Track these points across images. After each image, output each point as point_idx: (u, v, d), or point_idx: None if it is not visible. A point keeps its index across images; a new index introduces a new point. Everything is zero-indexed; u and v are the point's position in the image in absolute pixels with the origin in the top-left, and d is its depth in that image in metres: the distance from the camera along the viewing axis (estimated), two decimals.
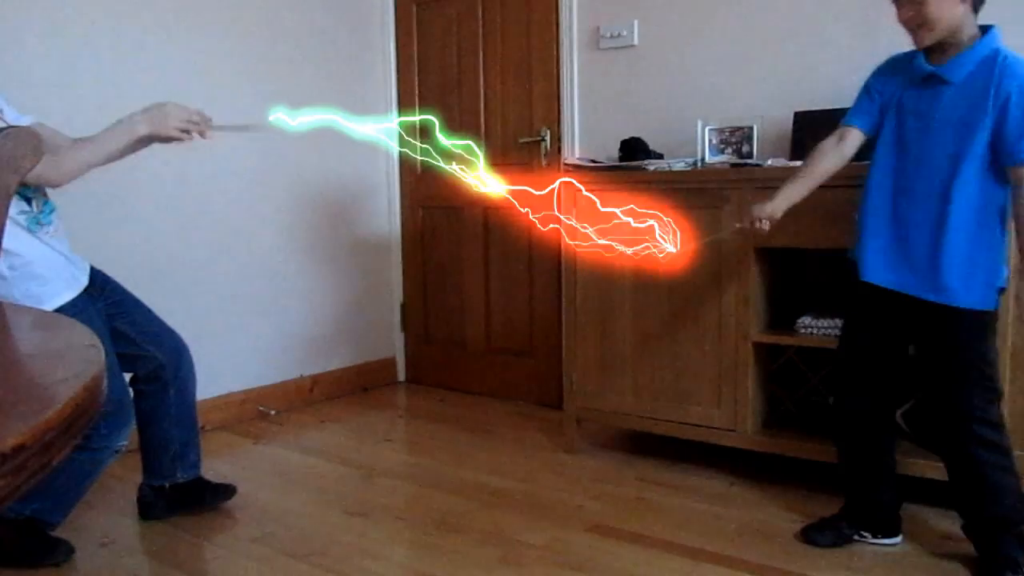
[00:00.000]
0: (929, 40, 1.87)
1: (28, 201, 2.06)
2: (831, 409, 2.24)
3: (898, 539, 2.13)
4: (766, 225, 2.09)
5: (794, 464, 2.55)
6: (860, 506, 2.13)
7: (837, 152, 2.06)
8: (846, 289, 2.13)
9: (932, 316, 1.93)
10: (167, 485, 2.36)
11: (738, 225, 2.24)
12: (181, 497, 2.38)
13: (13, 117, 2.05)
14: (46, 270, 2.06)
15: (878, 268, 1.99)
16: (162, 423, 2.32)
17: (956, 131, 1.86)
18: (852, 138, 2.05)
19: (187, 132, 2.08)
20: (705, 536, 2.20)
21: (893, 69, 2.01)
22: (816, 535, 2.13)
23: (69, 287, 2.12)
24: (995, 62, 1.83)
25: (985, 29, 1.87)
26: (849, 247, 2.12)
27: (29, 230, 2.04)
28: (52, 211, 2.13)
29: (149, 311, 2.34)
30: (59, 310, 2.05)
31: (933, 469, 2.18)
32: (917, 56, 1.93)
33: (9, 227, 2.02)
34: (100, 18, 2.84)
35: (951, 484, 2.03)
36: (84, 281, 2.19)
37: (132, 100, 2.89)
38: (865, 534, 2.12)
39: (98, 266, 2.71)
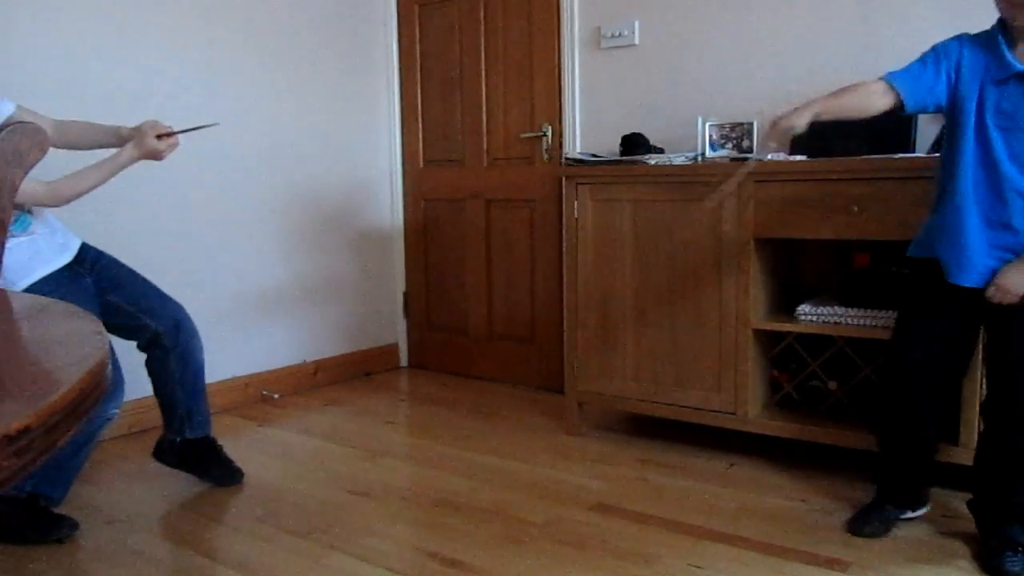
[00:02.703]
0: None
1: None
2: (877, 393, 2.17)
3: (927, 508, 2.15)
4: (790, 133, 2.00)
5: (793, 446, 2.56)
6: (898, 487, 2.11)
7: (874, 101, 1.93)
8: (907, 275, 2.07)
9: (1006, 308, 1.88)
10: (178, 440, 2.45)
11: (764, 141, 2.20)
12: (191, 454, 2.48)
13: None
14: (12, 262, 2.12)
15: (970, 270, 1.89)
16: (167, 386, 2.39)
17: None
18: (889, 100, 1.93)
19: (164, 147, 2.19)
20: (705, 515, 2.22)
21: (975, 55, 1.87)
22: (864, 526, 2.09)
23: (43, 265, 2.17)
24: None
25: None
26: (916, 243, 2.04)
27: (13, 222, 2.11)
28: (27, 221, 2.19)
29: (146, 283, 2.40)
30: (31, 288, 2.10)
31: (954, 453, 2.20)
32: (999, 47, 1.83)
33: None
34: (100, 18, 2.84)
35: (978, 461, 2.01)
36: (61, 260, 2.23)
37: (132, 101, 2.92)
38: (906, 511, 2.13)
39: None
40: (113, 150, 2.20)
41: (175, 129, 2.21)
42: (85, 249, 2.33)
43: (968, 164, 1.88)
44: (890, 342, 2.08)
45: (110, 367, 0.75)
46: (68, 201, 2.15)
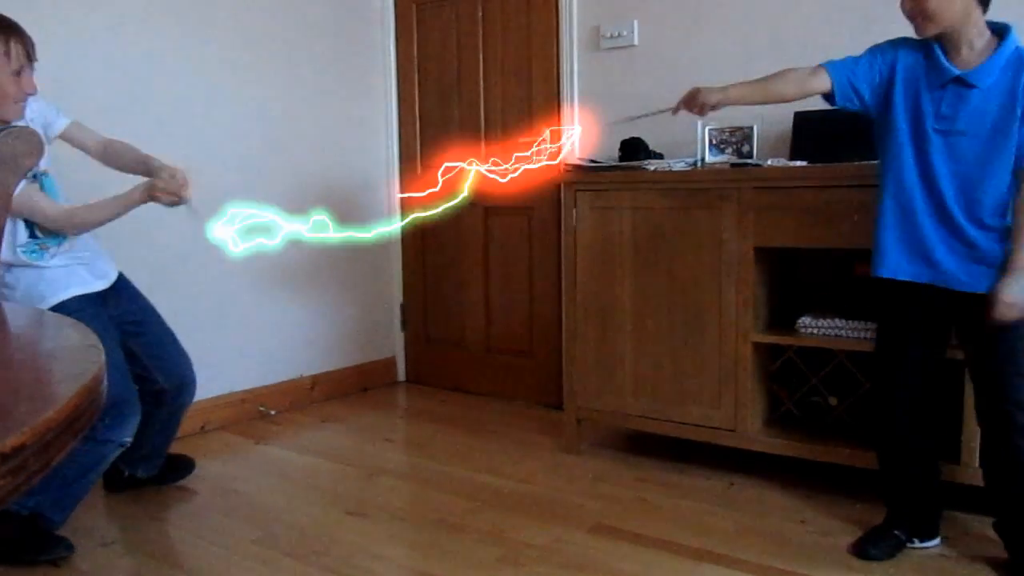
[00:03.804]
0: (932, 31, 1.83)
1: (35, 237, 2.18)
2: (873, 414, 2.16)
3: (937, 540, 2.11)
4: (705, 111, 2.09)
5: (794, 464, 2.55)
6: (909, 510, 2.09)
7: (802, 85, 1.99)
8: (875, 293, 2.07)
9: (969, 306, 1.89)
10: (127, 473, 2.49)
11: (673, 108, 2.20)
12: (140, 483, 2.56)
13: (48, 119, 2.23)
14: (48, 278, 2.18)
15: (902, 264, 1.94)
16: (143, 430, 2.34)
17: (989, 137, 1.82)
18: (820, 84, 1.96)
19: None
20: (705, 536, 2.20)
21: (911, 61, 1.92)
22: (871, 548, 2.05)
23: (77, 286, 2.22)
24: (1021, 63, 1.80)
25: (999, 26, 1.84)
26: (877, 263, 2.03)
27: (29, 263, 2.16)
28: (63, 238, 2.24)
29: (166, 332, 2.45)
30: (59, 307, 2.12)
31: (956, 473, 2.18)
32: (934, 52, 1.86)
33: (9, 257, 2.14)
34: (99, 20, 2.84)
35: (988, 480, 2.00)
36: (96, 285, 2.28)
37: (132, 102, 2.92)
38: (913, 539, 2.09)
39: None
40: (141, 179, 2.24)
41: (189, 180, 2.19)
42: (122, 281, 2.39)
43: (909, 169, 1.91)
44: (874, 362, 2.10)
45: (106, 383, 0.74)
46: (76, 230, 2.20)
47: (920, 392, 2.03)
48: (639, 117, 2.34)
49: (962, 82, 1.84)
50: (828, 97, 2.00)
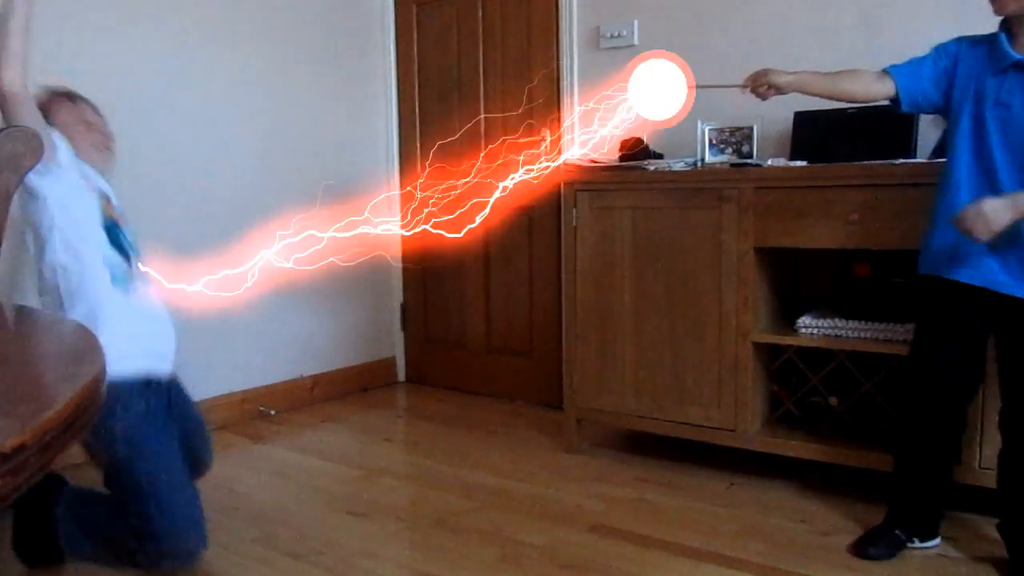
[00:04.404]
0: (1013, 8, 1.80)
1: (122, 252, 2.02)
2: (895, 415, 2.15)
3: (937, 540, 2.10)
4: (771, 92, 2.05)
5: (794, 464, 2.55)
6: (910, 510, 2.08)
7: (869, 87, 1.97)
8: (916, 292, 2.05)
9: (1009, 311, 1.87)
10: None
11: (743, 84, 2.14)
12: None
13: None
14: (122, 335, 1.89)
15: (962, 266, 1.90)
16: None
17: None
18: (886, 89, 1.96)
19: None
20: (704, 536, 2.20)
21: (973, 53, 1.90)
22: (871, 548, 2.05)
23: (142, 359, 1.97)
24: None
25: None
26: (922, 260, 2.02)
27: (114, 285, 1.97)
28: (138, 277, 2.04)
29: (199, 417, 2.22)
30: (116, 382, 1.65)
31: (957, 473, 2.17)
32: (999, 40, 1.85)
33: (90, 275, 1.94)
34: (99, 21, 2.84)
35: (1002, 484, 1.98)
36: (161, 368, 2.06)
37: (131, 102, 2.92)
38: (914, 539, 2.09)
39: None
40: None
41: None
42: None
43: (963, 158, 1.89)
44: (909, 361, 2.06)
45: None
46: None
47: (953, 395, 2.00)
48: (712, 87, 2.28)
49: (1021, 67, 1.82)
50: (894, 102, 1.99)
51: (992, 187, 1.84)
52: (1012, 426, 1.94)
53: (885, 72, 1.97)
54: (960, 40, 1.95)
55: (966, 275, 1.89)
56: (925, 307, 2.03)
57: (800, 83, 2.04)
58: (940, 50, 1.96)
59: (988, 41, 1.90)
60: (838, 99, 2.07)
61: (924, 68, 1.95)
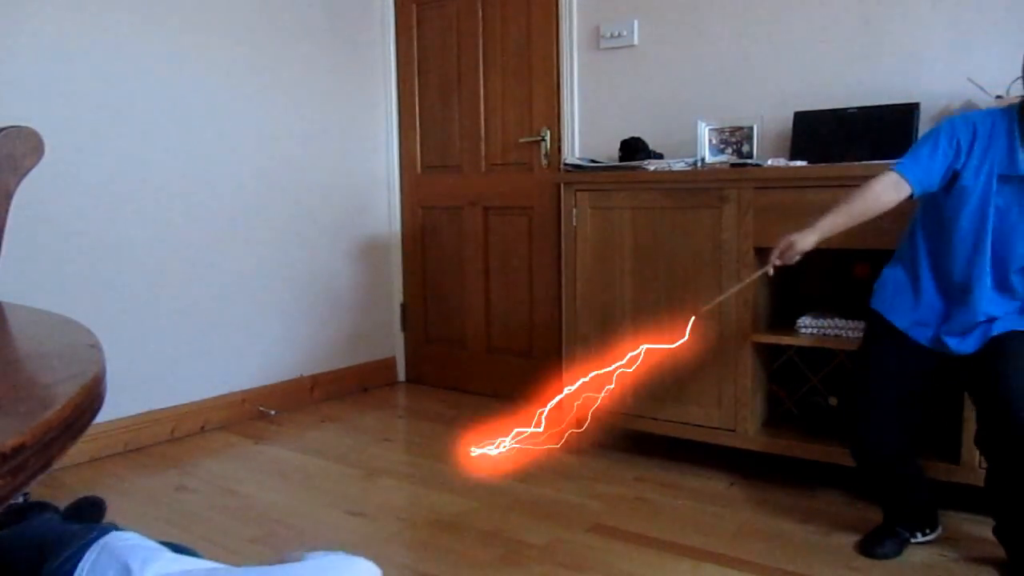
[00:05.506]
0: None
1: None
2: (845, 429, 2.16)
3: (939, 530, 2.13)
4: (796, 258, 2.02)
5: (794, 464, 2.54)
6: (907, 510, 2.10)
7: (887, 201, 1.94)
8: (869, 319, 2.09)
9: (961, 363, 1.93)
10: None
11: (769, 265, 2.08)
12: None
13: None
14: None
15: (904, 315, 1.99)
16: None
17: None
18: (902, 193, 1.92)
19: None
20: (705, 536, 2.20)
21: (988, 144, 1.87)
22: (877, 547, 2.06)
23: None
24: None
25: None
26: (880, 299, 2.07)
27: None
28: None
29: None
30: None
31: (956, 473, 2.18)
32: (1014, 140, 1.83)
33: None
34: (98, 21, 2.83)
35: (992, 486, 1.97)
36: None
37: (131, 102, 2.92)
38: (916, 534, 2.10)
39: (99, 266, 2.69)
40: None
41: None
42: None
43: (963, 247, 1.91)
44: (851, 375, 2.12)
45: (105, 385, 0.73)
46: None
47: (888, 459, 2.03)
48: (735, 291, 2.31)
49: None
50: (909, 198, 1.97)
51: (964, 274, 1.91)
52: (989, 446, 1.92)
53: (896, 175, 1.92)
54: (975, 125, 1.89)
55: (921, 335, 1.97)
56: (870, 337, 2.07)
57: (826, 233, 1.98)
58: (950, 136, 1.90)
59: (1005, 122, 1.85)
60: (859, 223, 1.99)
61: (936, 161, 1.90)
